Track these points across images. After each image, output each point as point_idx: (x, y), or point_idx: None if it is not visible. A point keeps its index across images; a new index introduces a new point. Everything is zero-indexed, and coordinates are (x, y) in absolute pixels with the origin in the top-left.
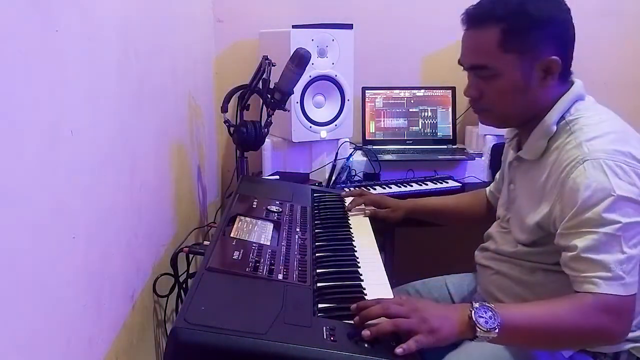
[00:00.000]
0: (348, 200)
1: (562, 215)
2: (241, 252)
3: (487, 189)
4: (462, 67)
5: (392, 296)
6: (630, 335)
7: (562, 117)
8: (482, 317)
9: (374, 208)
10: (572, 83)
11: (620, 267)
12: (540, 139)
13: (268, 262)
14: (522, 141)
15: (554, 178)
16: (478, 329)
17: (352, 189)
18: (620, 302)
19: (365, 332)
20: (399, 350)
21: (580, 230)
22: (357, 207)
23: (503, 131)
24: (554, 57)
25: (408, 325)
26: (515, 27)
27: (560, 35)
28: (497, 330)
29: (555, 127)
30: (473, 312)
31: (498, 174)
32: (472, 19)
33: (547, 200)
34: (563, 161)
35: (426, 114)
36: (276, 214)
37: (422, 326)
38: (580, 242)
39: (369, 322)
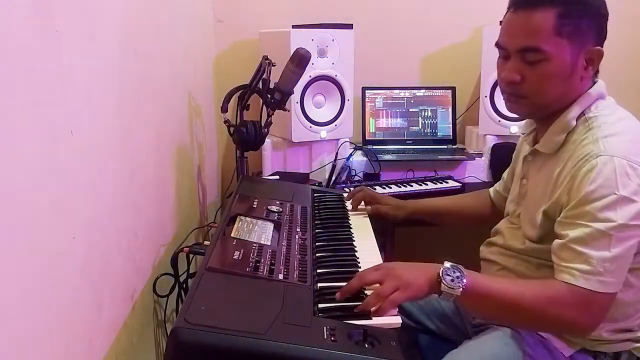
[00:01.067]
0: (350, 203)
1: (567, 204)
2: (241, 252)
3: (492, 188)
4: (501, 51)
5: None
6: (633, 335)
7: (582, 113)
8: (449, 276)
9: (375, 205)
10: (594, 82)
11: (602, 265)
12: (559, 133)
13: (268, 262)
14: (539, 135)
15: (567, 171)
16: (443, 285)
17: (350, 189)
18: (593, 297)
19: (362, 307)
20: (371, 309)
21: (575, 221)
22: (358, 205)
23: (504, 131)
24: (599, 47)
25: (388, 290)
26: (570, 12)
27: (602, 29)
28: (460, 290)
29: (574, 122)
30: (441, 270)
31: (506, 172)
32: (526, 1)
33: (557, 190)
34: (578, 155)
35: (426, 114)
36: (276, 214)
37: (398, 283)
38: (572, 233)
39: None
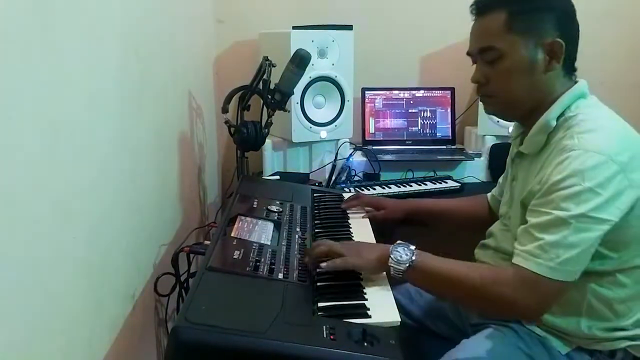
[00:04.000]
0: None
1: (537, 194)
2: (242, 252)
3: (489, 194)
4: (471, 60)
5: (392, 299)
6: (627, 333)
7: (563, 114)
8: (398, 252)
9: (371, 209)
10: (575, 82)
11: (555, 251)
12: (540, 134)
13: (268, 262)
14: (524, 138)
15: (545, 169)
16: (390, 259)
17: (350, 189)
18: (539, 281)
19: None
20: (323, 265)
21: (540, 209)
22: (355, 209)
23: (502, 131)
24: (557, 39)
25: (336, 251)
26: (521, 10)
27: (564, 22)
28: (407, 266)
29: (555, 122)
30: (391, 247)
31: (501, 177)
32: (480, 7)
33: (532, 182)
34: (556, 153)
35: (425, 114)
36: (276, 214)
37: (345, 250)
38: (533, 219)
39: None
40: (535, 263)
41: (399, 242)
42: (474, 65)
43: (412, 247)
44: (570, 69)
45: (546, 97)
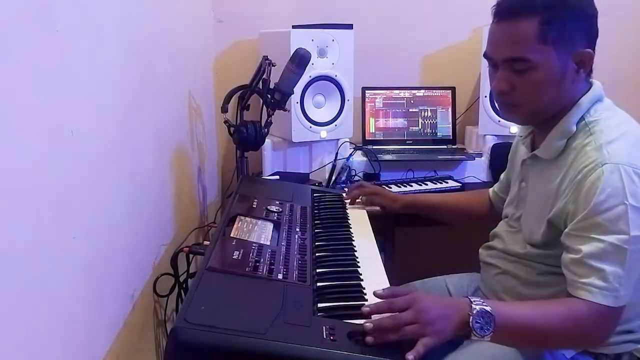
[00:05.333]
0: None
1: (574, 215)
2: (241, 252)
3: (491, 189)
4: (490, 60)
5: None
6: (634, 336)
7: (582, 118)
8: (478, 323)
9: (371, 197)
10: (591, 84)
11: (617, 280)
12: (560, 139)
13: (268, 262)
14: (536, 140)
15: (570, 178)
16: (473, 334)
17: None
18: (609, 312)
19: (369, 339)
20: (410, 357)
21: (588, 235)
22: (355, 199)
23: (503, 131)
24: (588, 49)
25: (415, 333)
26: (553, 18)
27: (591, 29)
28: (490, 336)
29: (575, 127)
30: (471, 317)
31: (503, 174)
32: (508, 11)
33: (561, 198)
34: (581, 162)
35: (426, 114)
36: (276, 214)
37: (427, 329)
38: (586, 248)
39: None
40: (602, 295)
41: (475, 310)
42: (491, 69)
43: (489, 309)
44: (590, 73)
45: (567, 103)
